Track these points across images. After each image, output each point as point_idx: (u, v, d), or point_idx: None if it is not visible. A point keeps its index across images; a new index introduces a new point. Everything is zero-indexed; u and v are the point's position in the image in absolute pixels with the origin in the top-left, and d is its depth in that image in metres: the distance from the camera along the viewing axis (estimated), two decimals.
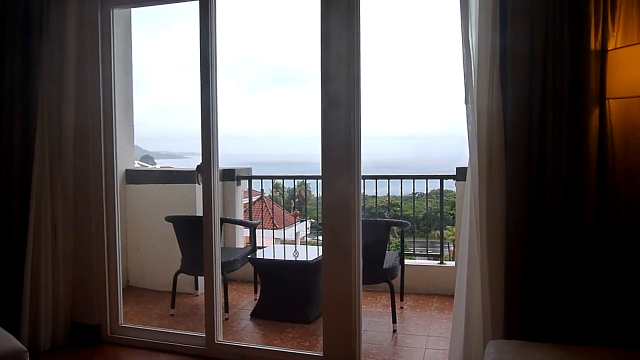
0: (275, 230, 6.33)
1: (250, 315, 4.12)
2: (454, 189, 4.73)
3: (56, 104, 3.22)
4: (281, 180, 6.15)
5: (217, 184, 3.18)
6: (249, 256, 4.28)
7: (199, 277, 4.48)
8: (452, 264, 4.64)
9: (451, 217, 7.29)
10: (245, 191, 5.56)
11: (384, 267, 3.76)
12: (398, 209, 6.32)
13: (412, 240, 5.56)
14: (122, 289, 3.55)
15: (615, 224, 2.20)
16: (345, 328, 2.89)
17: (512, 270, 2.33)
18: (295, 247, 5.18)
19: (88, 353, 3.27)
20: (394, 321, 3.80)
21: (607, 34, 2.17)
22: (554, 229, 2.25)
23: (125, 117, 4.82)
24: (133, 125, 5.03)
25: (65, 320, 3.36)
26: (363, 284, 2.95)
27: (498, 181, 2.33)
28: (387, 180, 5.46)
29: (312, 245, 5.78)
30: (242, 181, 5.45)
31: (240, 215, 5.44)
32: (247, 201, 5.65)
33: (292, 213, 8.30)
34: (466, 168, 2.46)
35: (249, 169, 5.60)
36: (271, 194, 7.40)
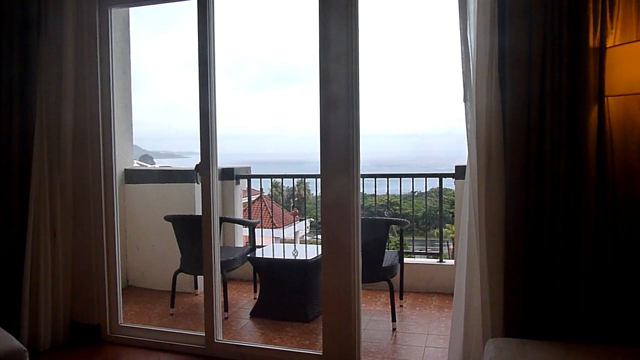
0: (274, 229, 6.33)
1: (250, 314, 4.12)
2: (453, 187, 4.73)
3: (55, 104, 3.22)
4: (280, 179, 6.15)
5: (216, 183, 3.18)
6: (249, 255, 4.28)
7: (198, 276, 4.49)
8: (452, 262, 4.64)
9: (450, 215, 7.30)
10: (244, 190, 5.56)
11: (383, 265, 3.76)
12: (397, 207, 6.32)
13: (412, 238, 5.56)
14: (122, 289, 3.55)
15: (614, 221, 2.20)
16: (345, 327, 2.89)
17: (511, 268, 2.33)
18: (295, 246, 5.18)
19: (88, 353, 3.27)
20: (394, 319, 3.80)
21: (606, 32, 2.17)
22: (553, 226, 2.25)
23: (124, 116, 4.82)
24: (132, 125, 5.03)
25: (65, 320, 3.36)
26: (362, 282, 2.95)
27: (497, 179, 2.33)
28: (386, 179, 5.46)
29: (311, 244, 5.79)
30: (242, 180, 5.45)
31: (239, 214, 5.44)
32: (247, 200, 5.65)
33: (291, 212, 8.30)
34: (465, 166, 2.46)
35: (248, 168, 5.60)
36: (270, 193, 7.40)
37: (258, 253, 4.44)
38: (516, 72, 2.27)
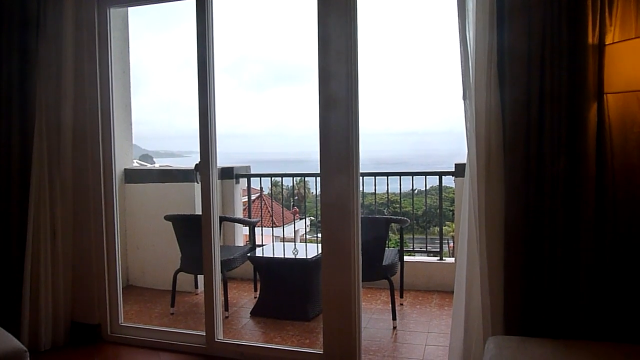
0: (274, 228, 6.33)
1: (250, 313, 4.12)
2: (453, 185, 4.73)
3: (54, 104, 3.21)
4: (280, 178, 6.15)
5: (215, 183, 3.18)
6: (249, 254, 4.28)
7: (198, 275, 4.49)
8: (452, 260, 4.64)
9: (451, 213, 7.29)
10: (244, 189, 5.56)
11: (383, 264, 3.76)
12: (397, 205, 6.32)
13: (412, 236, 5.56)
14: (122, 288, 3.55)
15: (614, 218, 2.20)
16: (345, 325, 2.89)
17: (511, 266, 2.33)
18: (295, 244, 5.19)
19: (88, 352, 3.27)
20: (394, 318, 3.80)
21: (605, 29, 2.17)
22: (553, 224, 2.25)
23: (123, 116, 4.82)
24: (131, 124, 5.03)
25: (66, 320, 3.36)
26: (363, 281, 2.95)
27: (497, 177, 2.33)
28: (386, 177, 5.46)
29: (311, 242, 5.79)
30: (241, 179, 5.45)
31: (239, 213, 5.44)
32: (246, 199, 5.65)
33: (291, 211, 8.30)
34: (465, 164, 2.45)
35: (248, 167, 5.60)
36: (270, 192, 7.39)
37: (258, 252, 4.44)
38: (515, 69, 2.26)
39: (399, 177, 5.36)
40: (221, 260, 3.36)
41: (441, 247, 4.93)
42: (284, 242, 5.85)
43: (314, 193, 6.43)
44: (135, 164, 5.64)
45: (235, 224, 5.33)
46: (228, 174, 5.28)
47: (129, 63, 4.94)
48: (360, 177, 2.94)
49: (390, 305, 3.83)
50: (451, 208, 7.29)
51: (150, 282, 4.85)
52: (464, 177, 2.51)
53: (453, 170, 4.58)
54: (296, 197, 8.98)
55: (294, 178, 6.83)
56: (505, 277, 2.35)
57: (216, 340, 3.20)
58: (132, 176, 4.92)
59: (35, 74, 3.16)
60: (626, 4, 2.17)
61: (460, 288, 2.52)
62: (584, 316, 2.24)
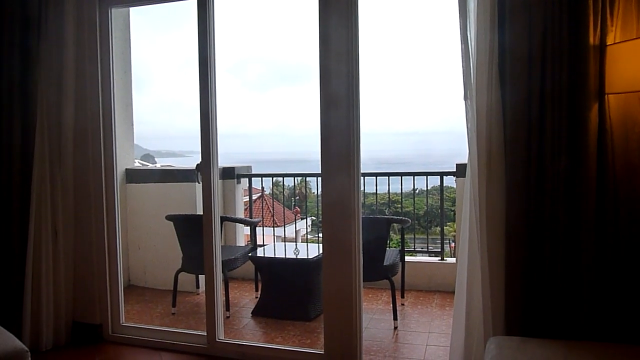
0: (275, 228, 6.33)
1: (252, 313, 4.12)
2: (455, 186, 4.72)
3: (55, 104, 3.22)
4: (281, 178, 6.15)
5: (216, 183, 3.18)
6: (250, 254, 4.28)
7: (199, 275, 4.49)
8: (453, 260, 4.64)
9: (452, 213, 7.29)
10: (245, 189, 5.56)
11: (384, 264, 3.76)
12: (398, 205, 6.32)
13: (413, 237, 5.56)
14: (123, 288, 3.56)
15: (615, 218, 2.20)
16: (346, 325, 2.89)
17: (512, 266, 2.33)
18: (296, 244, 5.18)
19: (90, 352, 3.27)
20: (395, 318, 3.80)
21: (606, 29, 2.17)
22: (554, 224, 2.25)
23: (124, 116, 4.82)
24: (133, 124, 5.03)
25: (67, 320, 3.37)
26: (364, 281, 2.95)
27: (498, 177, 2.33)
28: (387, 177, 5.46)
29: (312, 242, 5.79)
30: (243, 179, 5.45)
31: (240, 213, 5.44)
32: (248, 199, 5.65)
33: (292, 210, 8.30)
34: (466, 164, 2.45)
35: (249, 167, 5.60)
36: (271, 192, 7.39)
37: (259, 252, 4.44)
38: (516, 69, 2.26)
39: (400, 177, 5.36)
40: (222, 260, 3.36)
41: (442, 247, 4.93)
42: (285, 242, 5.85)
43: (315, 193, 6.43)
44: (137, 163, 5.65)
45: (237, 224, 5.34)
46: (229, 174, 5.28)
47: (130, 63, 4.94)
48: (362, 177, 2.94)
49: (392, 305, 3.83)
50: (452, 208, 7.29)
51: (151, 282, 4.86)
52: (465, 177, 2.51)
53: (454, 170, 4.58)
54: (297, 197, 8.98)
55: (295, 178, 6.84)
56: (506, 278, 2.34)
57: (217, 340, 3.20)
58: (134, 176, 4.93)
59: (37, 74, 3.17)
60: (627, 5, 2.16)
61: (461, 288, 2.51)
62: (584, 317, 2.24)
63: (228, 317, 4.04)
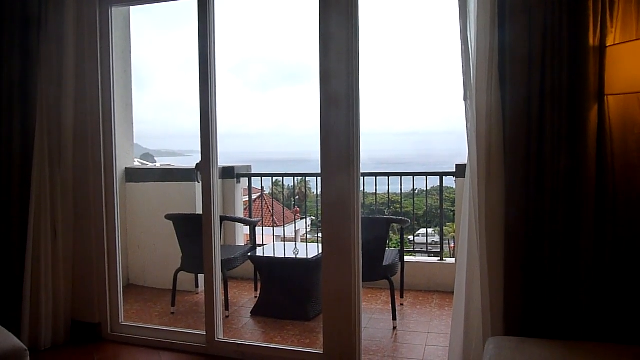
0: (275, 228, 6.33)
1: (251, 312, 4.12)
2: (454, 186, 4.73)
3: (55, 103, 3.22)
4: (281, 178, 6.15)
5: (216, 182, 3.18)
6: (249, 254, 4.28)
7: (199, 275, 4.49)
8: (452, 260, 4.64)
9: (451, 214, 7.29)
10: (245, 189, 5.56)
11: (383, 264, 3.76)
12: (398, 206, 6.32)
13: (412, 237, 5.56)
14: (123, 287, 3.56)
15: (614, 219, 2.20)
16: (346, 325, 2.89)
17: (511, 266, 2.33)
18: (296, 244, 5.18)
19: (89, 351, 3.27)
20: (394, 318, 3.80)
21: (606, 30, 2.17)
22: (553, 225, 2.25)
23: (124, 115, 4.83)
24: (132, 123, 5.04)
25: (66, 319, 3.37)
26: (363, 281, 2.95)
27: (497, 178, 2.33)
28: (386, 177, 5.46)
29: (312, 242, 5.79)
30: (242, 179, 5.45)
31: (240, 213, 5.45)
32: (247, 199, 5.65)
33: (292, 210, 8.30)
34: (465, 165, 2.45)
35: (249, 167, 5.60)
36: (271, 192, 7.40)
37: (259, 252, 4.44)
38: (516, 70, 2.26)
39: (399, 177, 5.36)
40: (222, 260, 3.36)
41: (441, 248, 4.93)
42: (284, 241, 5.85)
43: (315, 193, 6.43)
44: (137, 163, 5.64)
45: (236, 223, 5.34)
46: (229, 173, 5.29)
47: (130, 62, 4.94)
48: (361, 177, 2.94)
49: (391, 305, 3.83)
50: (452, 208, 7.29)
51: (150, 281, 4.86)
52: (464, 177, 2.51)
53: (454, 170, 4.58)
54: (297, 197, 8.98)
55: (295, 178, 6.83)
56: (505, 278, 2.34)
57: (216, 339, 3.20)
58: (133, 175, 4.93)
59: (37, 73, 3.17)
60: (627, 6, 2.17)
61: (461, 288, 2.52)
62: (583, 317, 2.24)
63: (227, 316, 4.05)
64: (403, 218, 4.20)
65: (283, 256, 4.39)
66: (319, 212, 3.18)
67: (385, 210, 6.57)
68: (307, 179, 7.42)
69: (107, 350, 3.31)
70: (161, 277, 4.68)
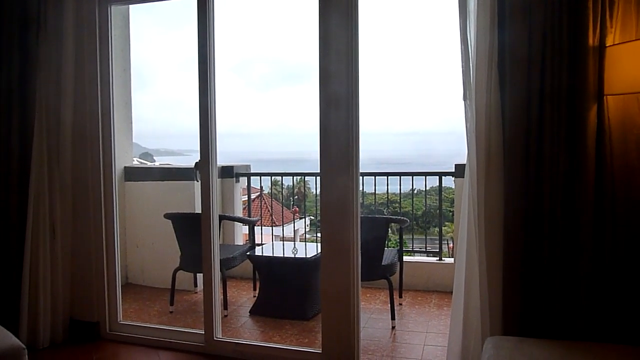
0: (274, 228, 6.33)
1: (249, 312, 4.12)
2: (453, 186, 4.73)
3: (54, 102, 3.21)
4: (280, 177, 6.15)
5: (215, 181, 3.18)
6: (248, 253, 4.28)
7: (198, 274, 4.49)
8: (451, 260, 4.65)
9: (450, 214, 7.30)
10: (244, 188, 5.56)
11: (382, 263, 3.76)
12: (397, 205, 6.32)
13: (411, 237, 5.56)
14: (121, 286, 3.55)
15: (613, 219, 2.20)
16: (344, 325, 2.89)
17: (510, 266, 2.33)
18: (294, 244, 5.19)
19: (87, 350, 3.27)
20: (393, 318, 3.80)
21: (606, 30, 2.17)
22: (552, 225, 2.25)
23: (123, 114, 4.82)
24: (132, 122, 5.03)
25: (64, 318, 3.36)
26: (362, 280, 2.95)
27: (496, 178, 2.33)
28: (386, 177, 5.46)
29: (311, 242, 5.79)
30: (241, 178, 5.45)
31: (239, 212, 5.44)
32: (246, 198, 5.65)
33: (291, 210, 8.30)
34: (465, 165, 2.45)
35: (248, 166, 5.60)
36: (270, 191, 7.40)
37: (258, 251, 4.44)
38: (516, 70, 2.26)
39: (399, 177, 5.36)
40: (220, 259, 3.36)
41: (440, 248, 4.93)
42: (283, 241, 5.85)
43: (314, 192, 6.43)
44: (136, 162, 5.64)
45: (235, 223, 5.34)
46: (228, 172, 5.28)
47: (129, 61, 4.94)
48: (360, 177, 2.94)
49: (389, 305, 3.83)
50: (451, 209, 7.30)
51: (149, 280, 4.85)
52: (464, 177, 2.51)
53: (453, 170, 4.58)
54: (296, 197, 8.98)
55: (294, 177, 6.83)
56: (503, 278, 2.34)
57: (215, 338, 3.20)
58: (132, 174, 4.92)
59: (36, 72, 3.16)
60: (627, 6, 2.17)
61: (459, 288, 2.52)
62: (582, 317, 2.24)
63: (226, 315, 4.04)
64: (402, 218, 4.21)
65: (282, 255, 4.39)
66: (318, 211, 3.18)
67: (384, 210, 6.57)
68: (307, 178, 7.43)
69: (105, 349, 3.31)
70: (160, 276, 4.68)
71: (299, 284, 4.06)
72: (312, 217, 7.62)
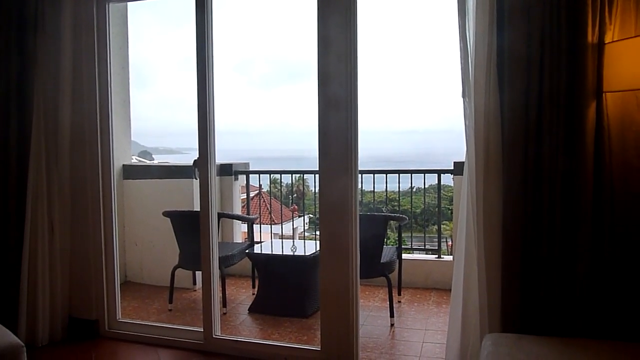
0: (273, 225, 6.33)
1: (248, 309, 4.12)
2: (452, 184, 4.73)
3: (52, 101, 3.21)
4: (279, 175, 6.14)
5: (214, 179, 3.18)
6: (247, 251, 4.28)
7: (196, 272, 4.49)
8: (450, 258, 4.65)
9: (449, 211, 7.30)
10: (243, 186, 5.55)
11: (381, 261, 3.77)
12: (396, 203, 6.31)
13: (410, 234, 5.56)
14: (120, 284, 3.55)
15: (612, 216, 2.21)
16: (343, 322, 2.89)
17: (509, 264, 2.33)
18: (293, 241, 5.18)
19: (86, 348, 3.27)
20: (392, 315, 3.81)
21: (604, 27, 2.16)
22: (551, 222, 2.25)
23: (122, 112, 4.82)
24: (130, 121, 5.03)
25: (63, 315, 3.36)
26: (361, 278, 2.95)
27: (495, 175, 2.33)
28: (385, 175, 5.45)
29: (310, 240, 5.78)
30: (240, 176, 5.44)
31: (237, 210, 5.44)
32: (245, 196, 5.65)
33: (290, 208, 8.29)
34: (464, 162, 2.45)
35: (247, 164, 5.59)
36: (269, 189, 7.39)
37: (256, 249, 4.44)
38: (514, 67, 2.26)
39: (397, 175, 5.35)
40: (219, 257, 3.36)
41: (439, 245, 4.93)
42: (282, 239, 5.85)
43: (313, 190, 6.43)
44: (134, 160, 5.64)
45: (234, 221, 5.33)
46: (227, 170, 5.28)
47: (128, 59, 4.93)
48: (359, 175, 2.94)
49: (388, 302, 3.83)
50: (450, 206, 7.30)
51: (148, 278, 4.85)
52: (462, 175, 2.51)
53: (452, 168, 4.58)
54: (295, 195, 8.97)
55: (293, 175, 6.82)
56: (502, 275, 2.34)
57: (214, 336, 3.20)
58: (131, 172, 4.92)
59: (34, 71, 3.15)
60: (626, 3, 2.16)
61: (458, 286, 2.52)
62: (581, 314, 2.24)
63: (225, 313, 4.05)
64: (401, 215, 4.21)
65: (281, 253, 4.39)
66: (317, 209, 3.18)
67: (383, 208, 6.56)
68: (305, 176, 7.42)
69: (104, 347, 3.31)
70: (159, 274, 4.67)
71: (297, 282, 4.06)
72: (311, 215, 7.61)
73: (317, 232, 3.23)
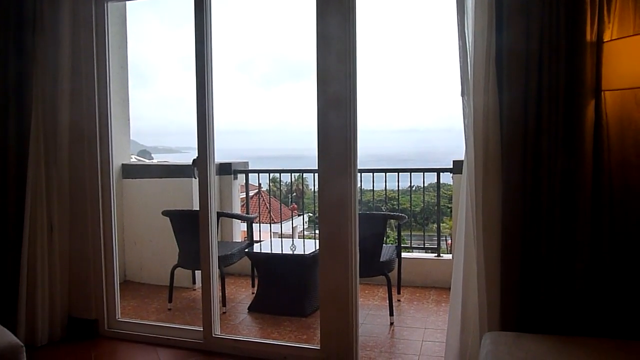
0: (272, 225, 6.33)
1: (248, 309, 4.12)
2: (452, 182, 4.73)
3: (51, 101, 3.21)
4: (279, 174, 6.14)
5: (213, 178, 3.18)
6: (246, 250, 4.28)
7: (196, 271, 4.49)
8: (449, 256, 4.65)
9: (449, 210, 7.30)
10: (242, 185, 5.55)
11: (381, 260, 3.77)
12: (395, 202, 6.32)
13: (410, 233, 5.56)
14: (119, 284, 3.55)
15: (611, 215, 2.21)
16: (343, 321, 2.89)
17: (508, 262, 2.33)
18: (293, 240, 5.18)
19: (85, 348, 3.27)
20: (391, 314, 3.81)
21: (603, 26, 2.16)
22: (550, 220, 2.25)
23: (121, 111, 4.81)
24: (129, 120, 5.02)
25: (63, 315, 3.36)
26: (360, 277, 2.95)
27: (494, 174, 2.33)
28: (384, 173, 5.45)
29: (309, 239, 5.78)
30: (239, 175, 5.44)
31: (237, 209, 5.44)
32: (244, 195, 5.64)
33: (289, 207, 8.29)
34: (463, 161, 2.45)
35: (246, 163, 5.59)
36: (269, 188, 7.39)
37: (256, 248, 4.44)
38: (513, 66, 2.26)
39: (397, 173, 5.35)
40: (219, 256, 3.36)
41: (439, 244, 4.94)
42: (281, 238, 5.85)
43: (312, 189, 6.42)
44: (133, 159, 5.63)
45: (233, 220, 5.33)
46: (226, 169, 5.28)
47: (127, 58, 4.93)
48: (359, 174, 2.94)
49: (388, 301, 3.84)
50: (449, 205, 7.30)
51: (147, 278, 4.85)
52: (462, 174, 2.51)
53: (451, 167, 4.58)
54: (294, 194, 8.97)
55: (292, 174, 6.83)
56: (501, 274, 2.34)
57: (213, 335, 3.20)
58: (130, 171, 4.92)
59: (32, 70, 3.15)
60: (624, 1, 2.16)
61: (457, 284, 2.52)
62: (580, 312, 2.25)
63: (224, 312, 4.05)
64: (400, 214, 4.21)
65: (280, 252, 4.39)
66: (316, 208, 3.18)
67: (383, 207, 6.57)
68: (305, 175, 7.42)
69: (104, 346, 3.31)
70: (158, 273, 4.67)
71: (297, 281, 4.06)
72: (311, 214, 7.62)
73: (317, 231, 3.23)
